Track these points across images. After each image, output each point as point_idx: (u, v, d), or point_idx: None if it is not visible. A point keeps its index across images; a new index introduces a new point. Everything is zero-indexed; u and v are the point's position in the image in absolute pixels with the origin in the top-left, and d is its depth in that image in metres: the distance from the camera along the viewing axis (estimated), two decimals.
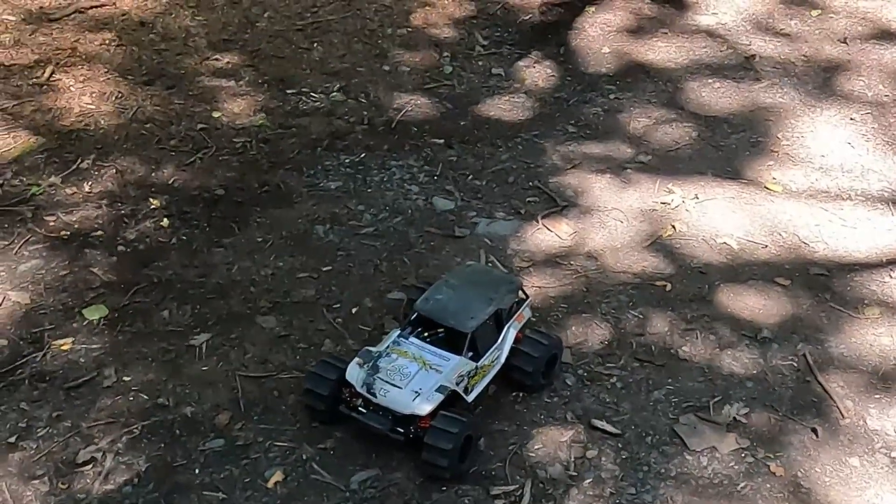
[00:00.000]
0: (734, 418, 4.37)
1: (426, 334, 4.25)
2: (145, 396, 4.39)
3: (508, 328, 4.34)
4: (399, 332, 4.26)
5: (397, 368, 4.09)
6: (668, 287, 5.06)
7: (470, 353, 4.19)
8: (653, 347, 4.72)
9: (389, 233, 5.37)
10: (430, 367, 4.10)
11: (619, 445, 4.25)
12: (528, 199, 5.66)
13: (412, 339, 4.22)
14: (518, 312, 4.40)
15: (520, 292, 4.46)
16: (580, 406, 4.42)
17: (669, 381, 4.56)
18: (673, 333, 4.79)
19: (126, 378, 4.47)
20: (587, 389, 4.49)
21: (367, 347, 4.21)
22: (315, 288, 4.99)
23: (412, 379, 4.06)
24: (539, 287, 5.02)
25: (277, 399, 4.40)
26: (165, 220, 5.40)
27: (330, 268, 5.12)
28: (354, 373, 4.10)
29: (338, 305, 4.89)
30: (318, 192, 5.64)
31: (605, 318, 4.85)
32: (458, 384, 4.10)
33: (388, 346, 4.19)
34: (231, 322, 4.78)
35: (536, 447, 4.23)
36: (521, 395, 4.44)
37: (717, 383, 4.55)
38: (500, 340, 4.30)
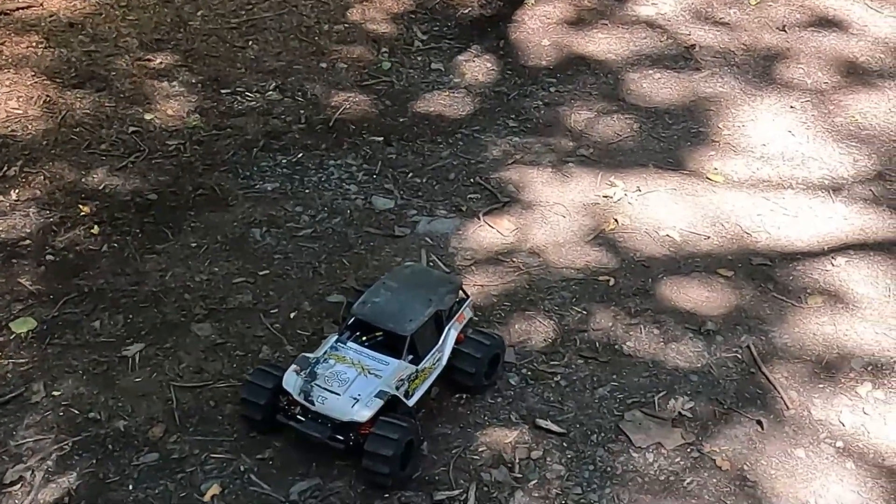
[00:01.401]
0: (679, 413, 4.32)
1: (364, 339, 4.15)
2: (76, 411, 4.25)
3: (449, 329, 4.26)
4: (337, 336, 4.15)
5: (335, 374, 3.98)
6: (612, 281, 5.00)
7: (410, 357, 4.10)
8: (597, 344, 4.65)
9: (328, 234, 5.26)
10: (369, 373, 4.00)
11: (565, 445, 4.18)
12: (469, 196, 5.58)
13: (350, 343, 4.12)
14: (459, 312, 4.32)
15: (460, 292, 4.37)
16: (524, 406, 4.34)
17: (614, 377, 4.50)
18: (617, 328, 4.72)
19: (56, 392, 4.32)
20: (531, 389, 4.42)
21: (303, 354, 4.10)
22: (252, 293, 4.87)
23: (350, 385, 3.96)
24: (481, 285, 4.94)
25: (214, 409, 4.28)
26: (96, 227, 5.25)
27: (267, 272, 5.00)
28: (291, 380, 3.99)
29: (275, 310, 4.77)
30: (255, 194, 5.51)
31: (548, 315, 4.78)
32: (398, 388, 4.01)
33: (325, 352, 4.09)
34: (165, 331, 4.64)
35: (480, 450, 4.15)
36: (464, 396, 4.36)
37: (661, 378, 4.50)
38: (440, 342, 4.21)
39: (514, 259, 5.13)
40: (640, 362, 4.57)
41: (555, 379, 4.46)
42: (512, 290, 4.94)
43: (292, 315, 4.74)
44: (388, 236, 5.26)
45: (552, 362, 4.55)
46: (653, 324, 4.76)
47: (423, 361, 4.13)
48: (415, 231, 5.30)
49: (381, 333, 4.14)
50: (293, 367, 4.03)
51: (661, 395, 4.41)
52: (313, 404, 3.93)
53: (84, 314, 4.72)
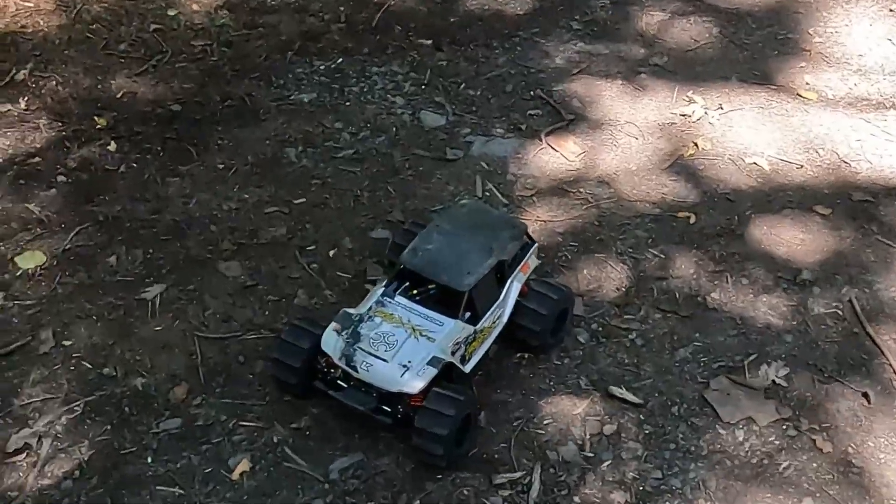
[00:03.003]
0: (773, 381, 3.77)
1: (415, 292, 3.61)
2: (88, 365, 3.76)
3: (512, 282, 3.70)
4: (383, 288, 3.60)
5: (382, 336, 3.45)
6: (693, 219, 4.40)
7: (467, 315, 3.55)
8: (677, 294, 4.08)
9: (371, 156, 4.66)
10: (421, 334, 3.46)
11: (642, 418, 3.65)
12: (529, 112, 4.95)
13: (398, 297, 3.57)
14: (523, 262, 3.75)
15: (525, 237, 3.79)
16: (595, 369, 3.80)
17: (697, 335, 3.94)
18: (700, 277, 4.15)
19: (66, 342, 3.83)
20: (602, 348, 3.87)
21: (345, 309, 3.56)
22: (286, 225, 4.32)
23: (399, 349, 3.42)
24: (544, 221, 4.36)
25: (242, 366, 3.77)
26: (113, 142, 4.69)
27: (303, 200, 4.44)
28: (331, 341, 3.46)
29: (312, 247, 4.22)
30: (289, 107, 4.91)
31: (621, 259, 4.20)
32: (453, 353, 3.48)
33: (370, 308, 3.55)
34: (188, 269, 4.12)
35: (546, 422, 3.63)
36: (526, 356, 3.83)
37: (751, 338, 3.94)
38: (502, 297, 3.66)
39: (582, 189, 4.54)
40: (726, 318, 4.00)
41: (629, 337, 3.91)
42: (579, 226, 4.36)
43: (331, 253, 4.19)
44: (438, 159, 4.67)
45: (626, 316, 3.99)
46: (740, 272, 4.18)
47: (483, 320, 3.58)
48: (468, 153, 4.70)
49: (433, 286, 3.58)
50: (333, 325, 3.50)
51: (751, 358, 3.86)
52: (356, 371, 3.41)
53: (99, 248, 4.19)
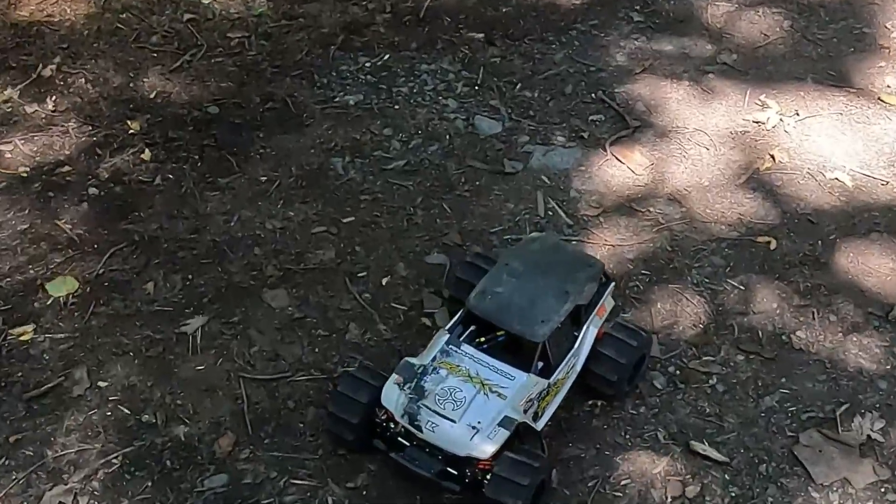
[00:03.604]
0: (868, 436, 3.46)
1: (482, 339, 3.30)
2: (126, 410, 3.47)
3: (588, 327, 3.38)
4: (447, 335, 3.29)
5: (448, 392, 3.15)
6: (773, 244, 4.07)
7: (540, 365, 3.24)
8: (760, 333, 3.77)
9: (424, 168, 4.34)
10: (491, 390, 3.16)
11: (727, 477, 3.36)
12: (591, 118, 4.61)
13: (465, 346, 3.27)
14: (599, 304, 3.43)
15: (601, 276, 3.48)
16: (674, 420, 3.50)
17: (784, 380, 3.63)
18: (783, 312, 3.83)
19: (102, 383, 3.54)
20: (681, 395, 3.57)
21: (407, 359, 3.26)
22: (335, 247, 4.01)
23: (468, 407, 3.13)
24: (613, 246, 4.04)
25: (292, 412, 3.48)
26: (147, 150, 4.37)
27: (352, 218, 4.12)
28: (393, 396, 3.17)
29: (363, 273, 3.91)
30: (335, 110, 4.58)
31: (697, 291, 3.89)
32: (525, 411, 3.17)
33: (434, 357, 3.24)
34: (232, 297, 3.82)
35: (623, 482, 3.34)
36: (599, 403, 3.53)
37: (842, 384, 3.63)
38: (577, 345, 3.34)
39: (651, 208, 4.21)
40: (813, 360, 3.69)
41: (710, 382, 3.60)
42: (650, 252, 4.03)
43: (384, 281, 3.89)
44: (496, 173, 4.34)
45: (705, 358, 3.68)
46: (827, 307, 3.86)
47: (557, 372, 3.28)
48: (528, 166, 4.37)
49: (503, 332, 3.28)
50: (394, 377, 3.21)
51: (843, 408, 3.55)
52: (421, 431, 3.12)
53: (135, 272, 3.89)
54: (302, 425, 3.44)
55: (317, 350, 3.66)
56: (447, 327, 3.35)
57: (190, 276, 3.88)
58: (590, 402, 3.52)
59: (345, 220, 4.12)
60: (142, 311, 3.77)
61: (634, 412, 3.51)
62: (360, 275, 3.91)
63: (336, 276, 3.91)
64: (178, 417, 3.45)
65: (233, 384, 3.55)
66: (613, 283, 3.54)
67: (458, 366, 3.22)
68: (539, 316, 3.24)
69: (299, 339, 3.69)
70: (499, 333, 3.30)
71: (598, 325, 3.43)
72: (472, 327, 3.34)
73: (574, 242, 4.03)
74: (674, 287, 3.90)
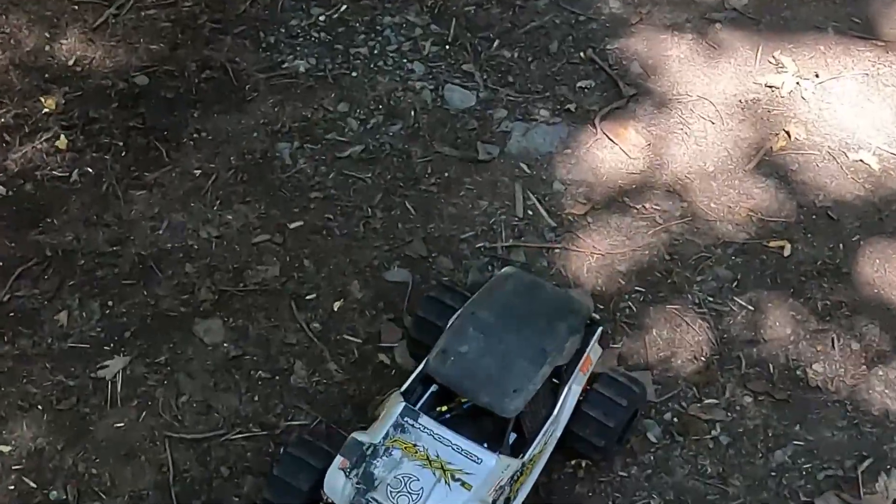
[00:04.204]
0: (895, 501, 2.97)
1: (444, 408, 2.78)
2: (32, 483, 2.98)
3: (570, 385, 2.85)
4: (402, 403, 2.77)
5: (402, 481, 2.65)
6: (787, 249, 3.52)
7: (513, 436, 2.73)
8: (770, 366, 3.25)
9: (384, 154, 3.75)
10: (454, 478, 2.66)
11: None
12: (578, 84, 3.99)
13: (423, 417, 2.75)
14: (585, 355, 2.89)
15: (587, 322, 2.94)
16: (670, 484, 3.02)
17: (797, 428, 3.14)
18: (798, 339, 3.30)
19: (3, 447, 3.03)
20: (679, 450, 3.08)
21: (354, 436, 2.75)
22: (279, 262, 3.46)
23: (426, 500, 2.62)
24: (602, 254, 3.49)
25: (226, 482, 3.01)
26: (63, 136, 3.77)
27: (300, 223, 3.56)
28: (338, 485, 2.68)
29: (312, 296, 3.38)
30: (282, 80, 3.97)
31: (699, 312, 3.35)
32: (495, 501, 2.67)
33: (387, 434, 2.72)
34: (158, 330, 3.29)
35: None
36: (583, 464, 3.02)
37: (865, 431, 3.13)
38: (556, 410, 2.82)
39: (647, 203, 3.64)
40: (833, 402, 3.19)
41: (712, 432, 3.11)
42: (646, 262, 3.48)
43: (336, 305, 3.35)
44: (468, 161, 3.75)
45: (707, 400, 3.17)
46: (848, 331, 3.33)
47: (532, 447, 2.77)
48: (505, 150, 3.78)
49: (468, 401, 2.76)
50: (339, 460, 2.70)
51: (865, 464, 3.07)
52: None
53: (46, 298, 3.35)
54: (237, 499, 2.95)
55: (256, 398, 3.15)
56: (402, 389, 2.83)
57: (110, 303, 3.34)
58: (572, 463, 3.03)
59: (291, 226, 3.55)
60: (53, 349, 3.24)
61: (624, 474, 3.03)
62: (308, 297, 3.37)
63: (280, 299, 3.36)
64: (93, 491, 2.97)
65: (157, 447, 3.05)
66: (602, 328, 2.99)
67: (415, 445, 2.71)
68: (511, 384, 2.72)
69: (236, 385, 3.17)
70: (464, 401, 2.77)
71: (583, 383, 2.90)
72: (433, 387, 2.82)
73: (557, 251, 3.47)
74: (672, 308, 3.36)
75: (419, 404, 2.80)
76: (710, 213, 3.62)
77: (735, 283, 3.43)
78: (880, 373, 3.25)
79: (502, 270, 3.03)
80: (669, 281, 3.43)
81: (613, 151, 3.80)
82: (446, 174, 3.70)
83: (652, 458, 3.06)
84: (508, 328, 2.82)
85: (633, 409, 2.94)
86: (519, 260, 3.46)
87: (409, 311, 3.29)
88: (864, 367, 3.26)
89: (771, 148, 3.81)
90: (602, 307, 3.34)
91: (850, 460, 3.08)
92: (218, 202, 3.61)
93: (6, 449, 3.03)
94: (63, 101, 3.88)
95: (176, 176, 3.67)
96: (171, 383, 3.17)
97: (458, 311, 2.88)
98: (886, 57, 4.09)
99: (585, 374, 2.92)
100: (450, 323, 2.85)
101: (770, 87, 4.01)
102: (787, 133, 3.85)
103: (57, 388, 3.16)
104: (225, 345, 3.25)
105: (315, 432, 3.00)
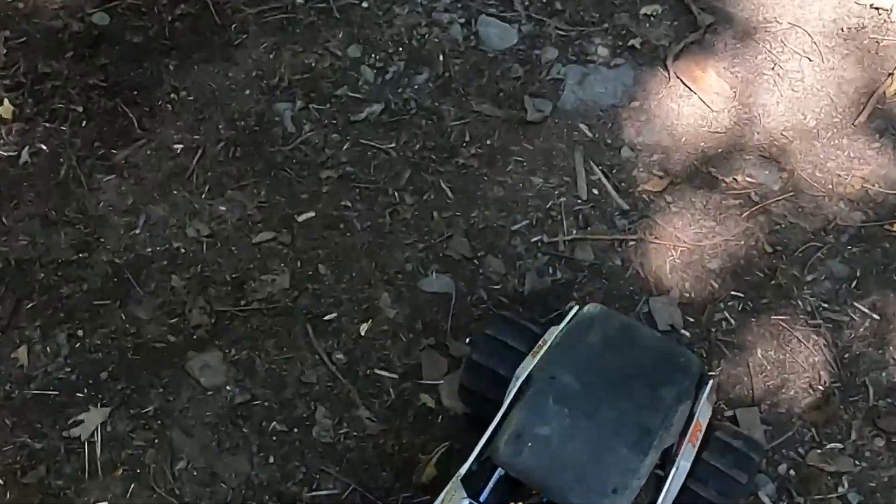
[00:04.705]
0: None
1: None
2: None
3: (678, 463, 2.23)
4: (467, 500, 2.14)
5: None
6: None
7: None
8: None
9: (410, 115, 3.02)
10: None
11: None
12: (642, 10, 3.26)
13: None
14: (695, 420, 2.26)
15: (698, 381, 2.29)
16: None
17: None
18: None
19: None
20: None
21: None
22: (289, 269, 2.77)
23: None
24: (688, 247, 2.81)
25: None
26: (6, 101, 3.01)
27: (311, 214, 2.86)
28: None
29: (332, 315, 2.70)
30: (276, 16, 3.19)
31: (812, 324, 2.71)
32: None
33: None
34: (142, 367, 2.62)
35: None
36: None
37: None
38: (662, 496, 2.20)
39: (738, 176, 2.95)
40: None
41: (839, 489, 2.50)
42: (742, 255, 2.81)
43: (363, 329, 2.68)
44: (514, 122, 3.01)
45: (829, 445, 2.57)
46: None
47: None
48: (559, 105, 3.05)
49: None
50: None
51: None
52: None
53: None
54: None
55: (272, 460, 2.51)
56: (462, 474, 2.19)
57: (80, 332, 2.66)
58: None
59: (300, 218, 2.85)
60: (12, 399, 2.58)
61: None
62: (327, 318, 2.70)
63: (293, 321, 2.69)
64: None
65: None
66: (712, 383, 2.34)
67: None
68: (609, 481, 2.09)
69: (245, 442, 2.53)
70: (544, 500, 2.15)
71: (692, 457, 2.27)
72: (500, 472, 2.19)
73: (632, 244, 2.79)
74: (779, 319, 2.71)
75: (484, 494, 2.17)
76: (815, 185, 2.93)
77: (854, 283, 2.77)
78: None
79: (584, 310, 2.35)
80: (773, 282, 2.77)
81: (691, 102, 3.07)
82: (488, 142, 2.98)
83: None
84: (600, 399, 2.17)
85: (753, 484, 2.32)
86: (587, 259, 2.78)
87: (453, 333, 2.63)
88: None
89: (884, 93, 3.10)
90: (693, 320, 2.69)
91: None
92: (206, 188, 2.88)
93: None
94: (4, 52, 3.09)
95: (152, 153, 2.93)
96: (163, 443, 2.52)
97: (530, 371, 2.22)
98: None
99: (695, 446, 2.28)
100: (516, 386, 2.19)
101: (877, 8, 3.26)
102: None
103: (21, 454, 2.51)
104: (227, 387, 2.59)
105: None
